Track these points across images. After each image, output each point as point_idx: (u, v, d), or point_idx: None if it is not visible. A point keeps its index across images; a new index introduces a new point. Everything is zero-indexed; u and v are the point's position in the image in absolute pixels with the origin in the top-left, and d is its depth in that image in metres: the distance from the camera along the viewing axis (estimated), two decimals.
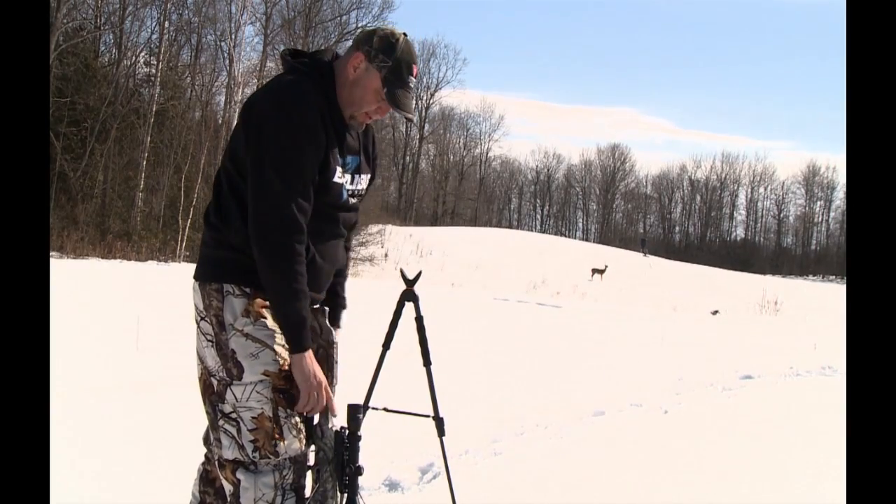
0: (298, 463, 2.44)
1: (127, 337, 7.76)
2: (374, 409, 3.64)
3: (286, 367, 2.41)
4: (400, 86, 2.49)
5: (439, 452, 3.68)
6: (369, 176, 2.68)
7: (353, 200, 2.60)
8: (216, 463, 2.48)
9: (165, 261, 22.66)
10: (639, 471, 4.79)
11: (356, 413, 2.50)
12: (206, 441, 2.60)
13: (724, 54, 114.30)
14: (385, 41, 2.48)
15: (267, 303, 2.42)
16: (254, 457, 2.36)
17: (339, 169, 2.49)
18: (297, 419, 2.43)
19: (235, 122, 2.51)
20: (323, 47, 2.50)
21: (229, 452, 2.39)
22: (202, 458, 2.65)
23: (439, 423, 3.65)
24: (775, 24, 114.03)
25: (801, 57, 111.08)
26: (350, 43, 2.59)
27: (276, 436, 2.37)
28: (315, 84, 2.46)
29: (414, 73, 2.52)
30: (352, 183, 2.57)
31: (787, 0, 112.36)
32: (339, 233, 2.61)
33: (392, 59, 2.47)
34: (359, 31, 2.54)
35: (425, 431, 3.94)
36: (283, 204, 2.33)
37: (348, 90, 2.51)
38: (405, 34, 2.53)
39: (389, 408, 3.70)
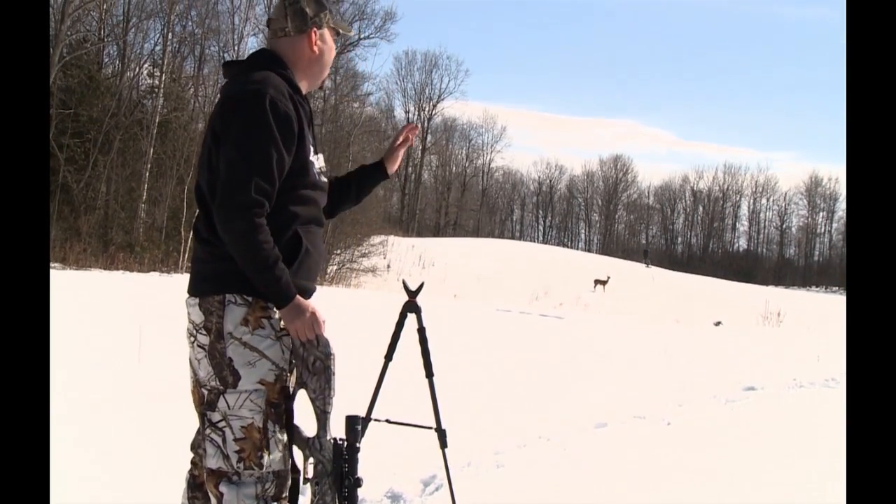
0: (281, 477, 2.47)
1: (129, 348, 7.76)
2: (376, 420, 3.64)
3: (283, 378, 2.46)
4: (338, 17, 2.68)
5: (442, 464, 3.67)
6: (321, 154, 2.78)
7: (323, 179, 2.66)
8: (205, 472, 2.49)
9: (168, 272, 22.62)
10: (642, 482, 4.78)
11: (354, 424, 2.51)
12: (194, 446, 2.64)
13: (724, 65, 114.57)
14: (311, 2, 2.61)
15: (267, 311, 2.45)
16: (238, 467, 2.39)
17: (311, 148, 2.57)
18: (283, 437, 2.47)
19: (205, 131, 2.54)
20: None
21: (213, 462, 2.42)
22: (189, 465, 2.68)
23: (441, 434, 3.65)
24: (776, 34, 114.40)
25: (803, 67, 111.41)
26: (270, 36, 2.67)
27: (263, 448, 2.40)
28: (279, 76, 2.53)
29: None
30: (318, 161, 2.64)
31: (788, 11, 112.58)
32: (321, 220, 2.67)
33: (326, 6, 2.63)
34: (270, 20, 2.63)
35: (428, 443, 3.93)
36: (244, 182, 2.35)
37: (310, 68, 2.64)
38: None
39: (392, 419, 3.69)
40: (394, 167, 2.99)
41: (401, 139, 2.98)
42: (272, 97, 2.41)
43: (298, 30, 2.60)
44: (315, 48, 2.62)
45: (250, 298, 2.43)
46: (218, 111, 2.48)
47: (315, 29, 2.60)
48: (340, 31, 2.73)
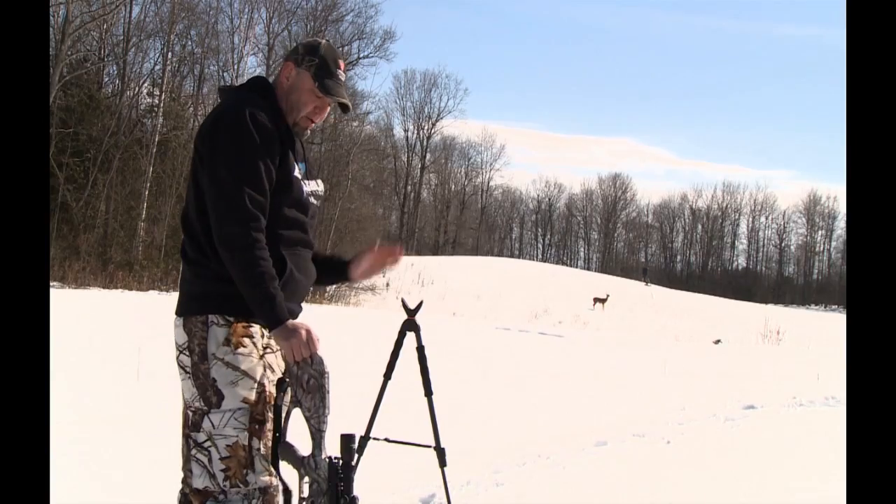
0: (268, 494, 2.48)
1: (128, 367, 7.75)
2: (375, 439, 3.64)
3: (265, 396, 2.47)
4: (329, 77, 2.65)
5: (441, 483, 3.67)
6: (320, 181, 2.79)
7: (312, 200, 2.68)
8: (190, 492, 2.49)
9: (167, 290, 22.61)
10: (641, 501, 4.76)
11: (350, 443, 2.50)
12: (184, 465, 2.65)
13: (721, 84, 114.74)
14: (308, 46, 2.69)
15: (248, 330, 2.47)
16: (224, 486, 2.41)
17: (296, 166, 2.59)
18: (267, 453, 2.48)
19: (192, 156, 2.57)
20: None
21: (199, 482, 2.44)
22: (180, 485, 2.68)
23: (440, 453, 3.65)
24: (774, 53, 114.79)
25: (801, 86, 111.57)
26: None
27: (248, 465, 2.42)
28: (260, 97, 2.58)
29: (341, 67, 2.70)
30: (307, 185, 2.66)
31: (785, 30, 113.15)
32: (309, 242, 2.68)
33: (318, 56, 2.65)
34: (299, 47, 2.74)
35: (427, 462, 3.92)
36: (237, 196, 2.37)
37: (286, 98, 2.65)
38: (327, 40, 2.74)
39: (391, 438, 3.69)
40: (355, 277, 2.92)
41: (378, 259, 2.90)
42: (250, 111, 2.46)
43: (285, 58, 2.72)
44: (284, 78, 2.66)
45: (231, 318, 2.45)
46: (198, 132, 2.53)
47: (292, 64, 2.65)
48: (317, 87, 2.64)
